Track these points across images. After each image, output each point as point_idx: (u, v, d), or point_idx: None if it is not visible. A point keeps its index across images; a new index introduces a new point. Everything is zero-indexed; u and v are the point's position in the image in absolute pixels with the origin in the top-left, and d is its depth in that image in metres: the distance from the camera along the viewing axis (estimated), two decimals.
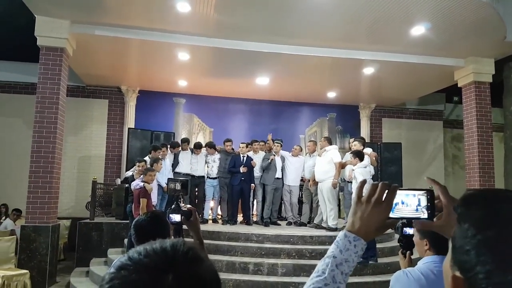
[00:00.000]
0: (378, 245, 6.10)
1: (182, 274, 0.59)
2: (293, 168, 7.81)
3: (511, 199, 0.64)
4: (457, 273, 0.64)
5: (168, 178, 2.71)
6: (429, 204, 0.92)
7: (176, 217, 2.21)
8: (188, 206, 2.27)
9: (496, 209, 0.63)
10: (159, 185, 6.79)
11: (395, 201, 0.94)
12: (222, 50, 7.57)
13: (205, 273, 0.62)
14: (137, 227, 2.03)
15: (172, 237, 2.20)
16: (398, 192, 0.95)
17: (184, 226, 2.25)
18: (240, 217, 7.97)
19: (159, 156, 6.99)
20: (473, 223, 0.63)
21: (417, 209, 0.93)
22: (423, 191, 0.93)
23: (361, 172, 5.80)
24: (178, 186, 2.39)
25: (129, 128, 9.53)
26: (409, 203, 0.94)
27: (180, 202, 2.31)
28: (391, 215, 0.94)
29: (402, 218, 0.96)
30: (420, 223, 0.94)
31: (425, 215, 0.92)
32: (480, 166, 7.99)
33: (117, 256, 6.67)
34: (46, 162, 6.70)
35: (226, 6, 6.29)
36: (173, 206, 2.28)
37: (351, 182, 6.18)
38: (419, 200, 0.93)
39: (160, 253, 0.62)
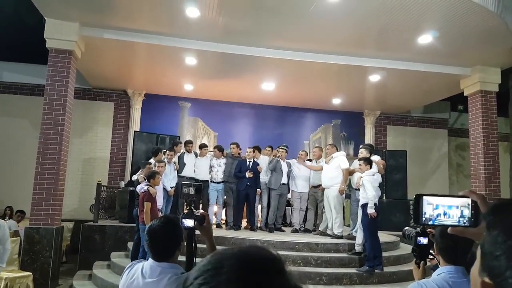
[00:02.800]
0: (384, 254, 6.06)
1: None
2: (301, 174, 7.74)
3: None
4: (486, 279, 0.65)
5: (182, 182, 2.70)
6: (473, 212, 0.93)
7: (189, 222, 2.20)
8: (201, 211, 2.26)
9: None
10: (164, 189, 6.78)
11: (437, 212, 0.97)
12: (229, 55, 7.59)
13: None
14: (151, 232, 2.02)
15: (185, 242, 2.19)
16: (441, 202, 0.97)
17: (197, 232, 2.24)
18: (244, 223, 7.94)
19: (165, 160, 6.97)
20: (503, 229, 0.65)
21: (459, 221, 0.94)
22: (467, 203, 0.94)
23: (370, 180, 5.77)
24: (192, 191, 2.39)
25: (135, 131, 9.55)
26: (451, 214, 0.95)
27: (193, 207, 2.30)
28: (430, 222, 0.97)
29: (443, 225, 0.99)
30: (454, 228, 0.96)
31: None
32: (485, 175, 7.96)
33: (120, 260, 6.66)
34: (52, 164, 6.70)
35: (235, 11, 6.31)
36: (186, 211, 2.28)
37: (358, 190, 6.14)
38: (461, 211, 0.94)
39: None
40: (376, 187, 5.86)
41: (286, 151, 7.97)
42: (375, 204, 5.67)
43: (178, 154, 7.87)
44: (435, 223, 0.97)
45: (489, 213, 0.71)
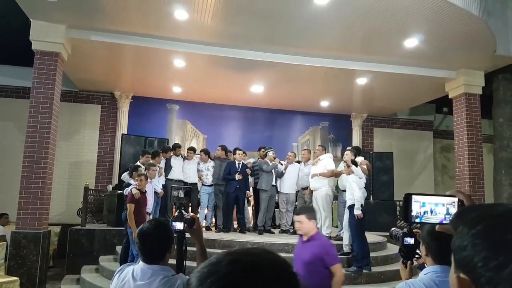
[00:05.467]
0: (372, 254, 6.13)
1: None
2: (288, 176, 7.81)
3: (497, 205, 0.73)
4: (461, 275, 0.71)
5: (172, 186, 2.71)
6: None
7: (179, 225, 2.21)
8: (191, 214, 2.27)
9: (484, 211, 0.72)
10: (154, 192, 6.75)
11: (424, 209, 1.00)
12: (218, 57, 7.60)
13: None
14: (142, 234, 2.02)
15: (175, 245, 2.20)
16: (427, 200, 1.00)
17: (187, 234, 2.25)
18: (234, 225, 7.95)
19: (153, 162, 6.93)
20: (466, 224, 0.72)
21: (445, 218, 0.98)
22: (453, 201, 0.98)
23: (356, 180, 5.83)
24: (181, 194, 2.40)
25: (122, 134, 9.48)
26: (438, 212, 0.99)
27: (183, 210, 2.31)
28: (418, 220, 1.01)
29: (430, 223, 1.02)
30: (441, 226, 1.00)
31: None
32: (470, 176, 8.11)
33: (109, 264, 6.60)
34: (39, 168, 6.62)
35: (224, 14, 6.33)
36: (176, 214, 2.29)
37: (345, 191, 6.20)
38: (447, 209, 0.98)
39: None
40: (362, 188, 5.93)
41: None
42: (361, 205, 5.73)
43: (166, 157, 7.85)
44: (422, 220, 1.01)
45: (454, 217, 0.79)
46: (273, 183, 7.77)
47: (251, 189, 8.05)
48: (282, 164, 8.00)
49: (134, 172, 6.19)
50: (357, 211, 5.70)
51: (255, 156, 8.59)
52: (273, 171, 7.72)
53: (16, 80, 9.86)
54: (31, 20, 6.74)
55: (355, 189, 5.76)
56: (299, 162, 8.34)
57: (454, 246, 0.73)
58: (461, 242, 0.70)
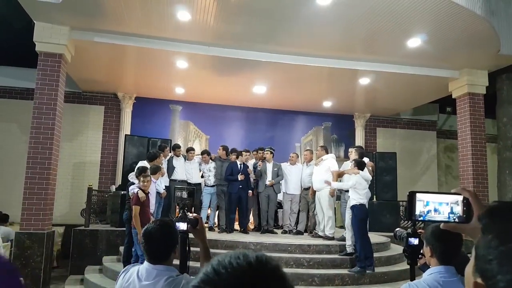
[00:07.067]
0: (375, 254, 6.13)
1: None
2: (293, 176, 7.81)
3: None
4: (479, 280, 0.68)
5: (175, 186, 2.72)
6: (465, 208, 0.96)
7: (183, 226, 2.22)
8: (194, 214, 2.28)
9: None
10: (157, 192, 6.76)
11: (427, 208, 1.00)
12: (220, 58, 7.61)
13: None
14: (147, 234, 2.03)
15: (178, 246, 2.21)
16: (431, 199, 1.00)
17: (191, 235, 2.26)
18: (236, 225, 7.96)
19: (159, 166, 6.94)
20: (497, 234, 0.67)
21: (449, 217, 0.98)
22: (456, 200, 0.98)
23: (359, 180, 5.82)
24: (185, 194, 2.40)
25: (125, 135, 9.51)
26: (442, 211, 0.99)
27: (187, 211, 2.32)
28: (420, 218, 1.01)
29: (433, 221, 1.02)
30: (446, 224, 0.98)
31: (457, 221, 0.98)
32: (474, 176, 8.08)
33: (112, 264, 6.63)
34: (42, 169, 6.65)
35: (226, 15, 6.34)
36: (179, 215, 2.30)
37: (347, 191, 6.20)
38: (451, 208, 0.98)
39: (247, 269, 0.62)
40: (367, 189, 5.92)
41: (271, 153, 8.02)
42: (362, 204, 5.72)
43: (167, 158, 7.88)
44: (425, 219, 1.01)
45: (486, 215, 0.72)
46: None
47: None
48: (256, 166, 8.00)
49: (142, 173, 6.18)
50: (334, 185, 6.34)
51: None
52: (266, 172, 7.78)
53: (19, 82, 9.90)
54: (34, 22, 6.77)
55: (349, 181, 5.89)
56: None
57: (478, 251, 0.70)
58: (487, 254, 0.66)
